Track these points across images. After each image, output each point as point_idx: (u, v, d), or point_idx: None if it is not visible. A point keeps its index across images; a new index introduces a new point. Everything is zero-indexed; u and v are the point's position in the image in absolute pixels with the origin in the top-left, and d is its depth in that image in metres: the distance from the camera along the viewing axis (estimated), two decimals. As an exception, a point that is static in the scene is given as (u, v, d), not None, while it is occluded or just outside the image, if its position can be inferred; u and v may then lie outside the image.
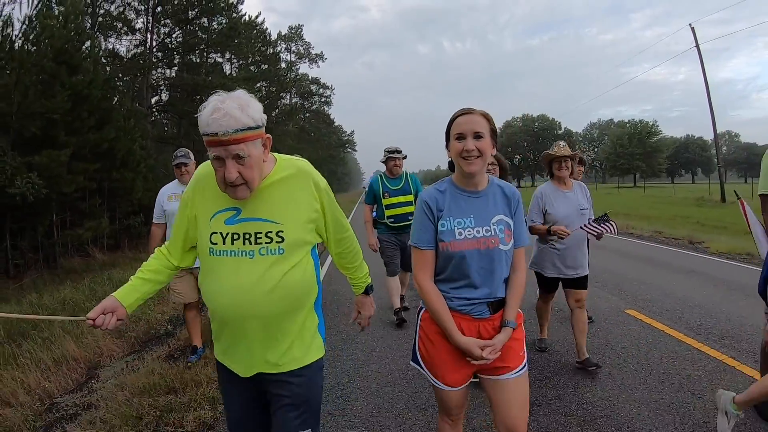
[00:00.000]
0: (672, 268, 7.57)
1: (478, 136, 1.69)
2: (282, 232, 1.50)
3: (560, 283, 3.73)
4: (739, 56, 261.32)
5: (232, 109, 1.35)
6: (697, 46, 24.42)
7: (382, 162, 4.94)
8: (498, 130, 1.83)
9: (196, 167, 1.70)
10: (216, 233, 1.51)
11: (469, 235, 1.71)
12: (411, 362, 1.92)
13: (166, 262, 1.68)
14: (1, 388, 3.76)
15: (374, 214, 5.06)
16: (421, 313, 1.87)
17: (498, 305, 1.77)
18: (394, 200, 4.79)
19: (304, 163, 1.60)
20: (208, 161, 1.51)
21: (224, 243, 1.50)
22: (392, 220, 4.79)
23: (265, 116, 1.47)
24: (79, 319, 1.59)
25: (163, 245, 1.73)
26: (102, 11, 19.32)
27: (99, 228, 11.44)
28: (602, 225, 3.39)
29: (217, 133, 1.35)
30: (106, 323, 1.51)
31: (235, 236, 1.50)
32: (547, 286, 3.83)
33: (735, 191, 3.62)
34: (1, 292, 9.42)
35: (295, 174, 1.55)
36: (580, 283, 3.57)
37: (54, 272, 11.05)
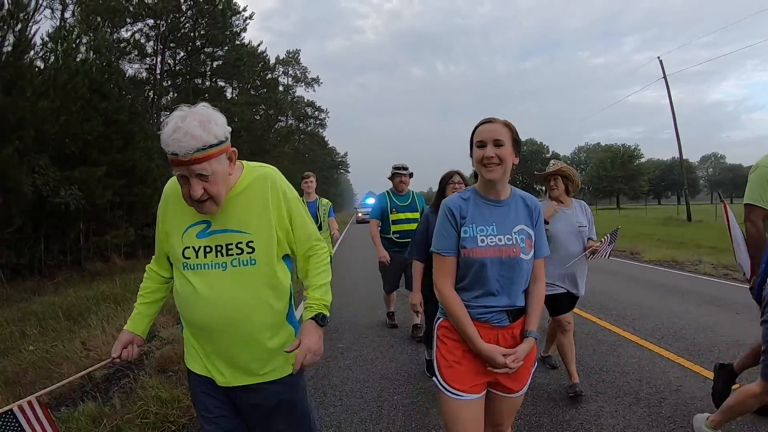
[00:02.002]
0: (599, 270, 8.98)
1: (498, 143, 1.70)
2: (252, 242, 1.50)
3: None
4: (729, 78, 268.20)
5: (192, 127, 1.32)
6: (665, 77, 26.54)
7: (389, 178, 5.09)
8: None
9: None
10: (189, 248, 1.51)
11: (491, 242, 1.72)
12: (431, 376, 1.86)
13: (159, 278, 1.72)
14: (93, 339, 5.29)
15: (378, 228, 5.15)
16: (438, 322, 1.85)
17: (517, 314, 1.77)
18: (401, 216, 4.91)
19: (269, 170, 1.59)
20: (175, 177, 1.49)
21: (197, 257, 1.50)
22: (398, 235, 4.89)
23: (229, 129, 1.44)
24: (108, 362, 1.70)
25: (151, 263, 1.75)
26: (116, 36, 21.16)
27: (125, 236, 12.96)
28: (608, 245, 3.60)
29: (177, 154, 1.32)
30: (130, 355, 1.63)
31: (207, 249, 1.50)
32: (554, 306, 3.50)
33: (719, 193, 4.10)
34: (41, 289, 10.89)
35: (260, 181, 1.54)
36: (572, 303, 3.55)
37: (81, 273, 12.53)
